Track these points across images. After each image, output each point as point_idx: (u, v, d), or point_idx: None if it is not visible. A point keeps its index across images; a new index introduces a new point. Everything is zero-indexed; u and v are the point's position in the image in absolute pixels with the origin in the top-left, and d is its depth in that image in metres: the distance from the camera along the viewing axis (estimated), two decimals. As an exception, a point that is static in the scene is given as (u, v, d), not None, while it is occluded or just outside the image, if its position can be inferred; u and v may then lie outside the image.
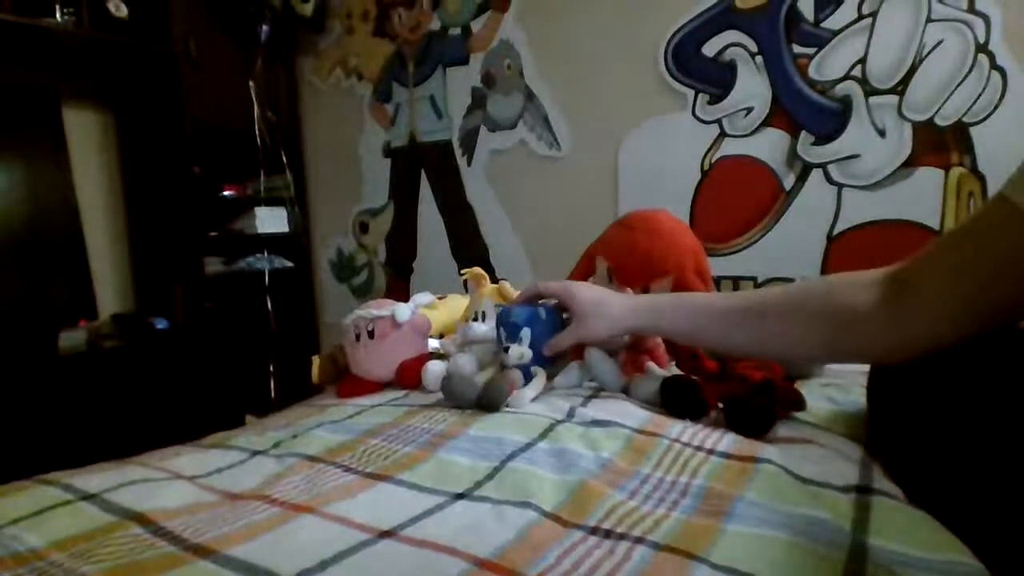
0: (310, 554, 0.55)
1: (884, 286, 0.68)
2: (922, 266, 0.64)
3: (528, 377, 0.95)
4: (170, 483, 0.78)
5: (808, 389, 0.99)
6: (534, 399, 0.92)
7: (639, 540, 0.56)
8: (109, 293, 2.79)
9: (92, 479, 0.78)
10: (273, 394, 2.83)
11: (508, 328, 0.97)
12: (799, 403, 0.90)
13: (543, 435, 0.83)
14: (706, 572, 0.51)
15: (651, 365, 1.02)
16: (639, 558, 0.53)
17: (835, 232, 2.08)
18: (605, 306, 0.86)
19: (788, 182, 2.13)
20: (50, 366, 2.25)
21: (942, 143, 1.92)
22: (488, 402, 0.88)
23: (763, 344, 0.79)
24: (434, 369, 1.05)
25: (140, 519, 0.65)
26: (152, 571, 0.54)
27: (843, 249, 2.07)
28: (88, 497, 0.72)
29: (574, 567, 0.52)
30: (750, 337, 0.79)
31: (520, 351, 0.95)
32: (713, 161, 2.25)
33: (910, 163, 1.96)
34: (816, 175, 2.09)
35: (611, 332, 0.86)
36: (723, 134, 2.21)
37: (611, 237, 1.28)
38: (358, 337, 1.17)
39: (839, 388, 1.06)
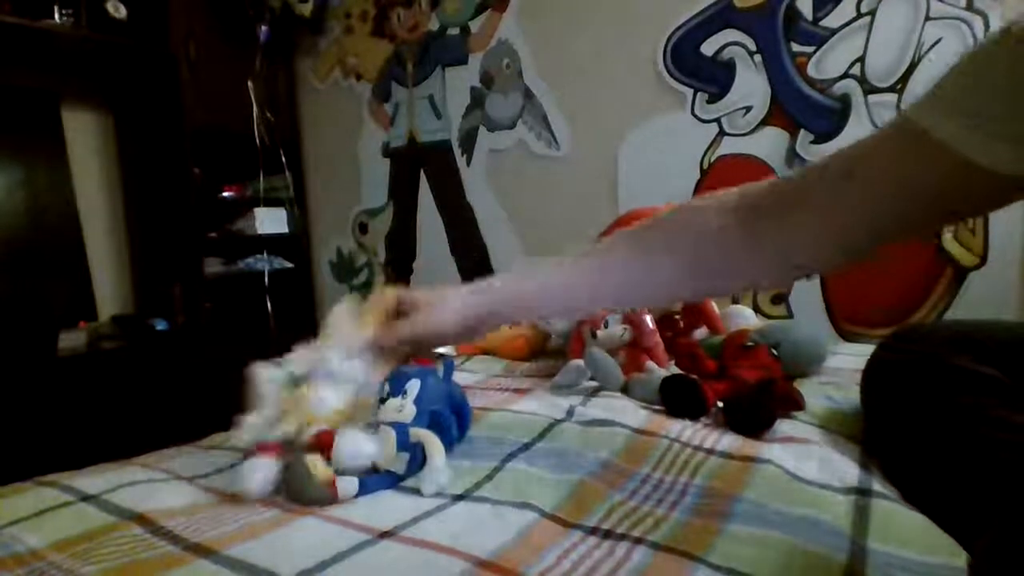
0: (309, 554, 0.55)
1: (741, 212, 0.59)
2: (793, 192, 0.56)
3: (404, 441, 0.73)
4: (169, 484, 0.78)
5: (806, 388, 0.99)
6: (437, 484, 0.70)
7: (639, 540, 0.56)
8: (109, 294, 2.79)
9: (92, 480, 0.78)
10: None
11: (394, 381, 0.79)
12: (798, 403, 0.90)
13: (542, 435, 0.83)
14: (705, 573, 0.51)
15: (651, 364, 1.02)
16: (638, 558, 0.53)
17: (835, 231, 2.07)
18: (447, 296, 0.67)
19: (787, 181, 2.13)
20: (50, 367, 2.25)
21: (941, 142, 1.91)
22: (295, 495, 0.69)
23: (640, 283, 0.64)
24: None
25: (140, 519, 0.65)
26: (151, 571, 0.54)
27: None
28: (88, 498, 0.72)
29: (573, 567, 0.52)
30: (629, 278, 0.64)
31: (400, 403, 0.77)
32: (712, 160, 2.24)
33: (910, 162, 1.96)
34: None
35: (458, 317, 0.65)
36: (722, 133, 2.21)
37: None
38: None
39: (837, 387, 1.06)
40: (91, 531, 0.63)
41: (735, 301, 2.14)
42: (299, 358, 0.81)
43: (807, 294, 2.11)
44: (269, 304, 2.93)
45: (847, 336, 1.99)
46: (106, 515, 0.68)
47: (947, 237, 1.91)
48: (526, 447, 0.79)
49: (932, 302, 1.91)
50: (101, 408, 2.29)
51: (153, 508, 0.68)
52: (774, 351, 1.05)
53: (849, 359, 1.25)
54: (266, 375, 0.81)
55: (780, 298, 2.16)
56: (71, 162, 2.63)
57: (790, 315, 2.12)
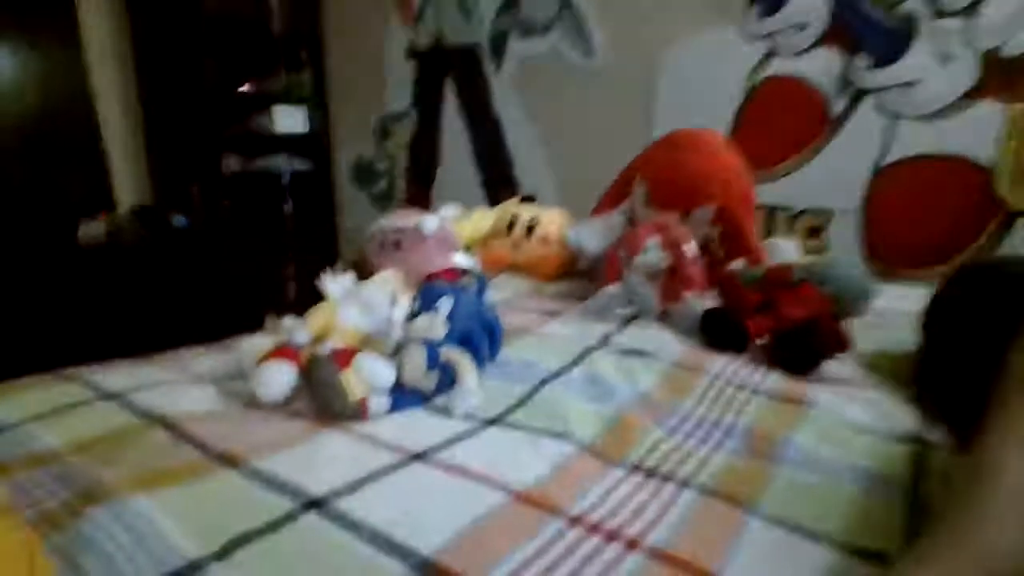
0: (340, 472, 0.53)
1: None
2: None
3: (434, 359, 0.70)
4: (192, 386, 0.76)
5: (852, 328, 0.94)
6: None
7: (685, 482, 0.53)
8: (127, 186, 2.75)
9: (114, 378, 0.76)
10: (292, 296, 2.83)
11: (425, 296, 0.77)
12: (845, 343, 0.86)
13: (577, 361, 0.79)
14: (758, 524, 0.48)
15: (689, 294, 0.97)
16: (686, 502, 0.50)
17: (882, 164, 1.96)
18: None
19: (838, 108, 2.00)
20: (70, 256, 2.25)
21: (1008, 75, 1.77)
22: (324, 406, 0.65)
23: None
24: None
25: (163, 422, 0.63)
26: (175, 479, 0.51)
27: (888, 182, 1.97)
28: (110, 396, 0.71)
29: (616, 508, 0.49)
30: None
31: (431, 320, 0.73)
32: (759, 81, 2.10)
33: (971, 95, 1.82)
34: (868, 102, 1.95)
35: None
36: (772, 52, 2.06)
37: (653, 156, 1.20)
38: (383, 247, 1.12)
39: (883, 328, 1.01)
40: (113, 432, 0.61)
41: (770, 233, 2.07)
42: (334, 281, 0.83)
43: (845, 228, 2.03)
44: (288, 205, 2.88)
45: (884, 275, 1.92)
46: (129, 415, 0.66)
47: (1000, 178, 1.81)
48: (559, 373, 0.76)
49: (976, 246, 1.83)
50: (121, 301, 2.29)
51: (177, 411, 0.66)
52: (820, 288, 0.99)
53: (891, 300, 1.20)
54: (333, 285, 0.82)
55: (816, 230, 2.08)
56: (84, 47, 2.52)
57: (826, 249, 2.05)
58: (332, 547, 0.44)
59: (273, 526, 0.46)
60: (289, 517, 0.47)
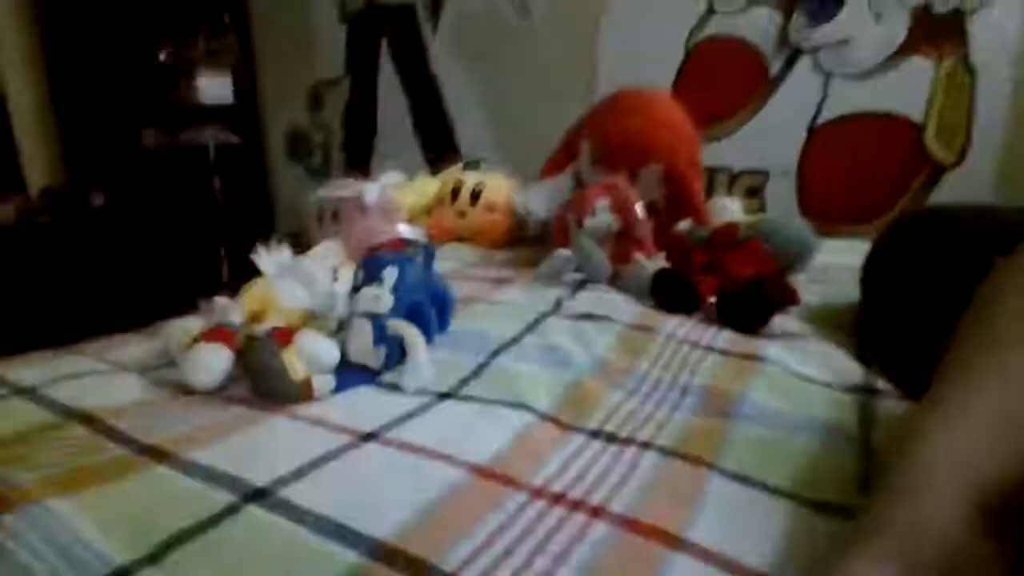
0: (283, 459, 0.49)
1: None
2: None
3: (381, 333, 0.66)
4: (116, 376, 0.70)
5: (796, 284, 0.96)
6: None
7: (646, 445, 0.52)
8: (38, 167, 2.55)
9: (26, 371, 0.69)
10: (225, 277, 2.71)
11: (369, 267, 0.72)
12: (794, 298, 0.87)
13: (530, 328, 0.77)
14: (719, 481, 0.47)
15: (639, 256, 0.96)
16: (648, 465, 0.49)
17: (817, 123, 2.00)
18: None
19: (775, 68, 2.02)
20: (-26, 243, 2.08)
21: (937, 32, 1.82)
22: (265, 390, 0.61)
23: None
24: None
25: (84, 418, 0.58)
26: (101, 479, 0.47)
27: (824, 141, 2.01)
28: (22, 392, 0.64)
29: (579, 475, 0.47)
30: None
31: (376, 292, 0.69)
32: (698, 41, 2.10)
33: (902, 52, 1.87)
34: (805, 61, 1.98)
35: None
36: (711, 10, 2.06)
37: (599, 116, 1.18)
38: (321, 220, 1.07)
39: (826, 282, 1.03)
40: (28, 431, 0.56)
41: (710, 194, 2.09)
42: (270, 256, 0.79)
43: (781, 188, 2.07)
44: (217, 181, 2.73)
45: (819, 233, 1.98)
46: (45, 412, 0.60)
47: (929, 134, 1.87)
48: (513, 341, 0.73)
49: (907, 200, 1.90)
50: (34, 289, 2.13)
51: (99, 404, 0.61)
52: (766, 246, 1.00)
53: (831, 255, 1.22)
54: (268, 259, 0.78)
55: (754, 191, 2.12)
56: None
57: (763, 209, 2.09)
58: (277, 539, 0.40)
59: (211, 522, 0.42)
60: (229, 511, 0.43)
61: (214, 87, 2.71)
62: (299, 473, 0.47)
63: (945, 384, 0.41)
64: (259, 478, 0.46)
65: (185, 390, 0.65)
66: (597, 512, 0.42)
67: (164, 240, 2.53)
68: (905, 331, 0.72)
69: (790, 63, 2.02)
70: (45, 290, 2.14)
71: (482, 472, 0.47)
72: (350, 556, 0.38)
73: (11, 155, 2.42)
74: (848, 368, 0.68)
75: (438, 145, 2.57)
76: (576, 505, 0.43)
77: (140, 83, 2.49)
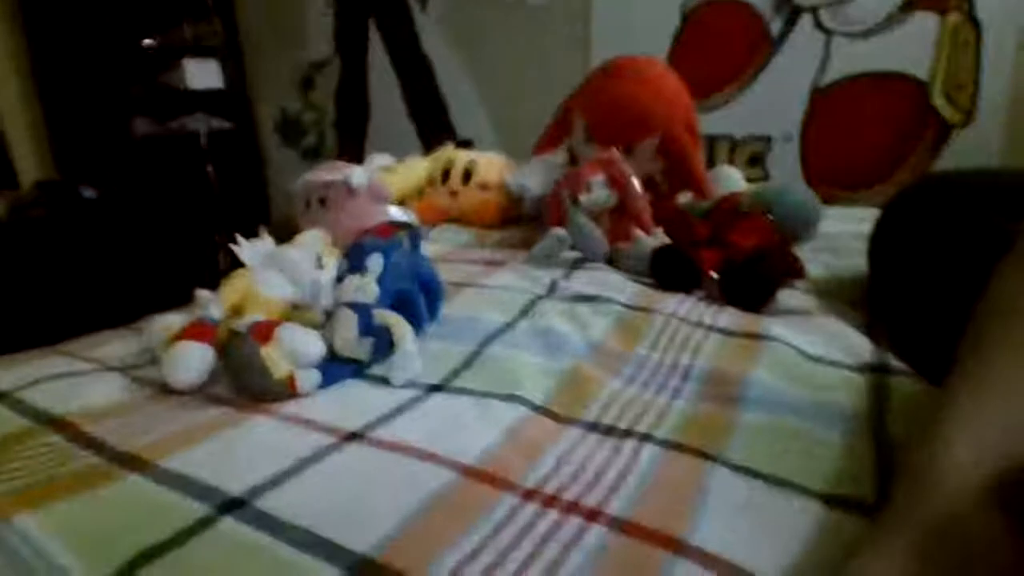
0: (262, 464, 0.46)
1: None
2: None
3: (367, 324, 0.63)
4: (97, 377, 0.67)
5: (801, 255, 0.92)
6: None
7: (645, 437, 0.49)
8: (29, 161, 2.51)
9: (6, 374, 0.67)
10: (222, 267, 2.68)
11: (354, 255, 0.70)
12: (799, 270, 0.83)
13: (524, 313, 0.74)
14: (724, 474, 0.44)
15: (638, 232, 0.93)
16: (648, 459, 0.46)
17: (821, 85, 1.94)
18: None
19: (775, 29, 1.95)
20: (-32, 240, 2.05)
21: (942, -15, 1.75)
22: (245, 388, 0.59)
23: None
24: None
25: (57, 424, 0.55)
26: (69, 491, 0.44)
27: (829, 104, 1.95)
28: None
29: (576, 473, 0.44)
30: None
31: (361, 281, 0.66)
32: (695, 5, 2.03)
33: (906, 7, 1.80)
34: (806, 21, 1.92)
35: None
36: (707, -26, 1.99)
37: (591, 88, 1.13)
38: (308, 205, 1.03)
39: (833, 252, 1.00)
40: (0, 440, 0.53)
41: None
42: (253, 247, 0.76)
43: (784, 154, 2.02)
44: (210, 168, 2.69)
45: (825, 199, 1.93)
46: (17, 418, 0.57)
47: (936, 90, 1.81)
48: (507, 327, 0.70)
49: (914, 162, 1.85)
50: (27, 285, 2.11)
51: (75, 408, 0.58)
52: (769, 216, 0.96)
53: (837, 223, 1.18)
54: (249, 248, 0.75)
55: (756, 159, 2.07)
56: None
57: (766, 177, 2.04)
58: (251, 554, 0.38)
59: (183, 536, 0.39)
60: (202, 524, 0.40)
61: (202, 73, 2.65)
62: (277, 480, 0.45)
63: (969, 365, 0.38)
64: (235, 487, 0.44)
65: (167, 389, 0.62)
66: (593, 515, 0.40)
67: (160, 230, 2.49)
68: (916, 304, 0.68)
69: (790, 23, 1.95)
70: (40, 285, 2.12)
71: (471, 473, 0.45)
72: (327, 572, 0.36)
73: (1, 150, 2.38)
74: (858, 345, 0.65)
75: (432, 125, 2.52)
76: (571, 507, 0.41)
77: (127, 72, 2.44)
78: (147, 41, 2.54)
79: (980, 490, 0.32)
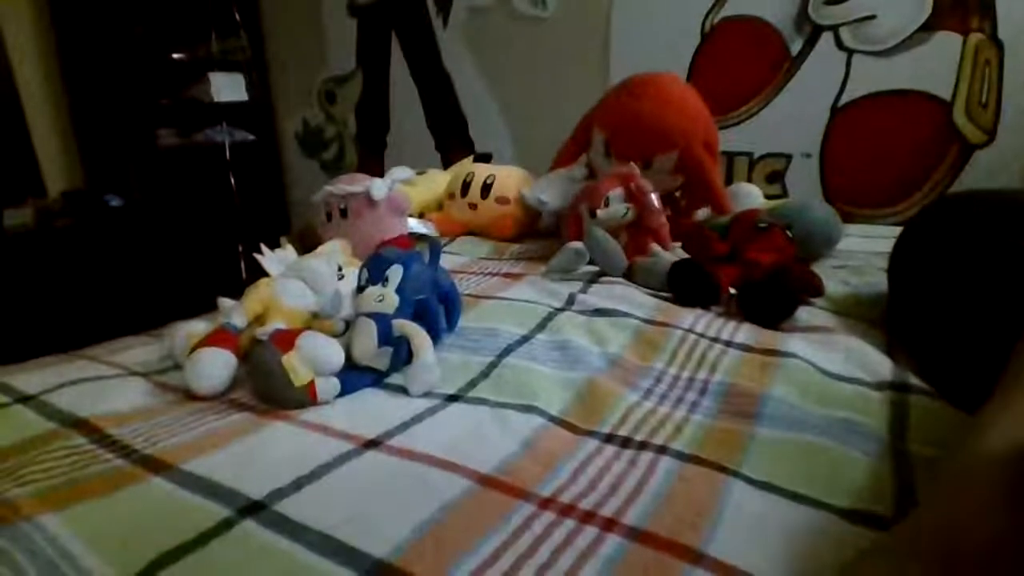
0: (282, 469, 0.47)
1: None
2: None
3: (386, 334, 0.64)
4: (121, 381, 0.69)
5: (820, 272, 0.92)
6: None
7: (662, 449, 0.49)
8: (57, 170, 2.57)
9: (32, 377, 0.68)
10: (244, 276, 2.71)
11: (373, 266, 0.70)
12: (818, 288, 0.83)
13: (541, 326, 0.74)
14: (742, 488, 0.44)
15: (655, 247, 0.93)
16: (664, 471, 0.46)
17: (841, 103, 1.94)
18: None
19: (795, 47, 1.96)
20: (-5, 245, 2.10)
21: (963, 5, 1.74)
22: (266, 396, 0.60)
23: None
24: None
25: (82, 427, 0.57)
26: (94, 493, 0.45)
27: (849, 122, 1.94)
28: (25, 399, 0.63)
29: (592, 483, 0.45)
30: None
31: (381, 292, 0.67)
32: (715, 23, 2.04)
33: (928, 27, 1.80)
34: (826, 39, 1.92)
35: None
36: (727, -9, 2.00)
37: (610, 104, 1.14)
38: (329, 216, 1.05)
39: (852, 270, 0.99)
40: (25, 441, 0.54)
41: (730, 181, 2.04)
42: (276, 257, 0.78)
43: (803, 172, 2.01)
44: (232, 179, 2.73)
45: (844, 217, 1.92)
46: (44, 420, 0.59)
47: (958, 108, 1.80)
48: (524, 340, 0.71)
49: (934, 180, 1.83)
50: (52, 291, 2.15)
51: (100, 411, 0.59)
52: (788, 233, 0.96)
53: (857, 240, 1.18)
54: (272, 258, 0.77)
55: (776, 176, 2.06)
56: (-4, 19, 2.31)
57: (785, 194, 2.03)
58: (270, 557, 0.38)
59: (204, 538, 0.40)
60: (223, 526, 0.41)
61: (228, 86, 2.71)
62: (298, 485, 0.45)
63: (1014, 395, 0.38)
64: (256, 491, 0.44)
65: (189, 395, 0.63)
66: (609, 524, 0.40)
67: (183, 239, 2.54)
68: (937, 323, 0.68)
69: (811, 42, 1.95)
70: (66, 292, 2.16)
71: (488, 481, 0.45)
72: (346, 576, 0.36)
73: (30, 159, 2.44)
74: (877, 363, 0.64)
75: (452, 139, 2.55)
76: (587, 517, 0.41)
77: (154, 84, 2.50)
78: (176, 55, 2.61)
79: (1006, 484, 0.32)
